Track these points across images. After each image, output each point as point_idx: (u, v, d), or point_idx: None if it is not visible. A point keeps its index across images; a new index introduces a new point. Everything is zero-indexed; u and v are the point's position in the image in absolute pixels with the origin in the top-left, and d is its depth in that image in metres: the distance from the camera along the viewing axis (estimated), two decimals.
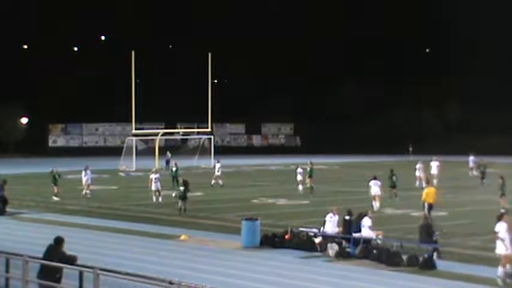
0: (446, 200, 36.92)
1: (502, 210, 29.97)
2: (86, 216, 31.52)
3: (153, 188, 37.51)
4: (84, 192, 39.96)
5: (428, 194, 27.95)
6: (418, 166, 45.28)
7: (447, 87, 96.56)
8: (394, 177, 37.13)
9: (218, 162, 47.28)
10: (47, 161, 55.80)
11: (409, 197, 36.93)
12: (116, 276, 13.66)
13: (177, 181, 42.48)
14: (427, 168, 45.78)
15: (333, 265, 20.99)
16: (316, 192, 40.48)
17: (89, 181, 40.41)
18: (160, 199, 37.12)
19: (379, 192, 34.11)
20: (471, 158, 52.55)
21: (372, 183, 34.35)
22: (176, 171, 44.06)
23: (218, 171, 46.04)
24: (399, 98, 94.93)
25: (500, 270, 18.42)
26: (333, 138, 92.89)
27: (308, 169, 42.31)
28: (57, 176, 39.30)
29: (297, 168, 43.03)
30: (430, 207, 27.55)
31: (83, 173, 40.48)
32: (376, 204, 33.61)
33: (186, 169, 52.55)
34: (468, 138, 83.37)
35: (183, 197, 32.26)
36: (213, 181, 45.51)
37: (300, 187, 41.95)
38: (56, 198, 38.21)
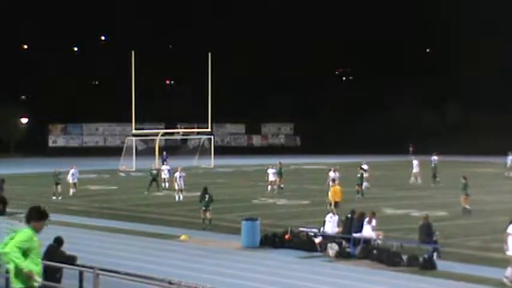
0: (446, 200, 36.91)
1: (468, 207, 30.67)
2: (86, 216, 31.52)
3: (177, 187, 37.36)
4: (71, 192, 39.96)
5: (336, 192, 30.03)
6: (414, 163, 47.07)
7: (447, 87, 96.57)
8: (363, 176, 38.15)
9: (166, 164, 46.03)
10: (47, 161, 55.77)
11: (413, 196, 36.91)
12: (116, 276, 13.64)
13: (157, 183, 42.33)
14: (423, 164, 46.89)
15: (333, 265, 20.99)
16: (283, 192, 40.82)
17: (76, 180, 40.47)
18: (181, 198, 36.95)
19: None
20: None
21: (330, 174, 38.13)
22: (153, 172, 43.05)
23: (166, 174, 44.76)
24: (399, 98, 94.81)
25: (509, 270, 18.26)
26: (333, 138, 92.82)
27: (277, 170, 42.53)
28: (56, 177, 39.31)
29: (268, 169, 42.92)
30: (336, 204, 29.32)
31: (69, 172, 40.53)
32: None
33: (186, 169, 52.46)
34: (468, 138, 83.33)
35: (206, 205, 28.40)
36: (166, 184, 44.28)
37: (269, 187, 41.92)
38: (59, 198, 38.37)
